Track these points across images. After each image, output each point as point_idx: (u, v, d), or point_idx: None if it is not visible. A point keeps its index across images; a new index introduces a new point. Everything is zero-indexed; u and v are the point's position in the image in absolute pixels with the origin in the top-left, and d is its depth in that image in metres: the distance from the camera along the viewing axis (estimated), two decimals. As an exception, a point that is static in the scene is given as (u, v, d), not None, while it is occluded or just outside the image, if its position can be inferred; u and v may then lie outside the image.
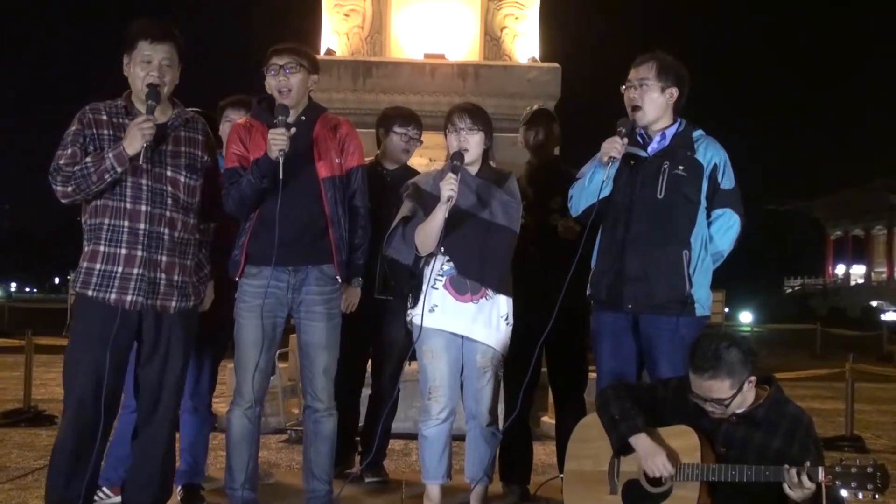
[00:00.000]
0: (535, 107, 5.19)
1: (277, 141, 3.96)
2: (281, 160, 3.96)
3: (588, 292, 4.26)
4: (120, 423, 4.45)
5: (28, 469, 5.68)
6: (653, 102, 4.12)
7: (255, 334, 4.18)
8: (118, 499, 4.32)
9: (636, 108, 4.13)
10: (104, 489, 4.47)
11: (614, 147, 4.01)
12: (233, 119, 4.77)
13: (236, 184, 4.11)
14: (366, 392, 5.43)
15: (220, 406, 6.07)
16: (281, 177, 3.97)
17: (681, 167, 4.07)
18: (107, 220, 3.86)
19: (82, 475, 3.82)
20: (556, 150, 5.26)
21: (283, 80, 4.15)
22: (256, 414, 4.27)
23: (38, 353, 8.72)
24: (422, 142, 5.27)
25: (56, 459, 3.88)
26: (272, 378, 4.61)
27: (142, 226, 3.86)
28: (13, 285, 59.97)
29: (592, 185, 4.12)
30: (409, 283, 4.37)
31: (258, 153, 4.08)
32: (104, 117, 3.90)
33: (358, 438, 5.50)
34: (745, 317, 33.80)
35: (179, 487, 4.63)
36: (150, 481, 4.00)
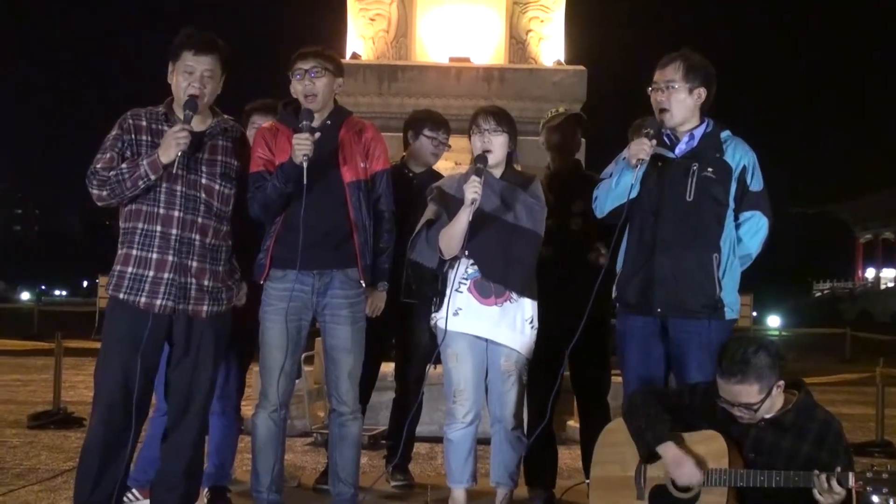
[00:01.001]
0: (562, 109, 5.16)
1: (302, 146, 3.97)
2: (305, 165, 3.97)
3: (614, 295, 4.23)
4: (151, 426, 4.48)
5: (57, 471, 5.73)
6: (680, 104, 4.05)
7: (279, 337, 4.19)
8: (146, 501, 4.34)
9: (663, 111, 4.08)
10: (133, 490, 4.49)
11: (643, 149, 3.96)
12: (259, 124, 4.78)
13: (261, 188, 4.12)
14: (389, 395, 5.43)
15: (246, 409, 6.10)
16: (305, 182, 3.97)
17: (709, 169, 4.02)
18: (140, 225, 3.91)
19: (111, 477, 3.85)
20: (580, 155, 5.23)
21: (309, 85, 4.16)
22: (282, 417, 4.28)
23: (68, 356, 8.81)
24: (450, 146, 5.26)
25: (84, 461, 3.91)
26: (297, 381, 4.62)
27: (174, 231, 3.90)
28: (42, 288, 60.62)
29: (620, 187, 4.07)
30: (433, 287, 4.36)
31: (283, 157, 4.09)
32: (144, 123, 3.96)
33: (384, 441, 5.50)
34: (774, 321, 33.51)
35: (206, 490, 4.65)
36: (178, 484, 4.02)
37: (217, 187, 3.99)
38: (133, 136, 3.93)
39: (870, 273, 55.81)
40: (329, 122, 4.24)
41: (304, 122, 4.04)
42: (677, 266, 4.00)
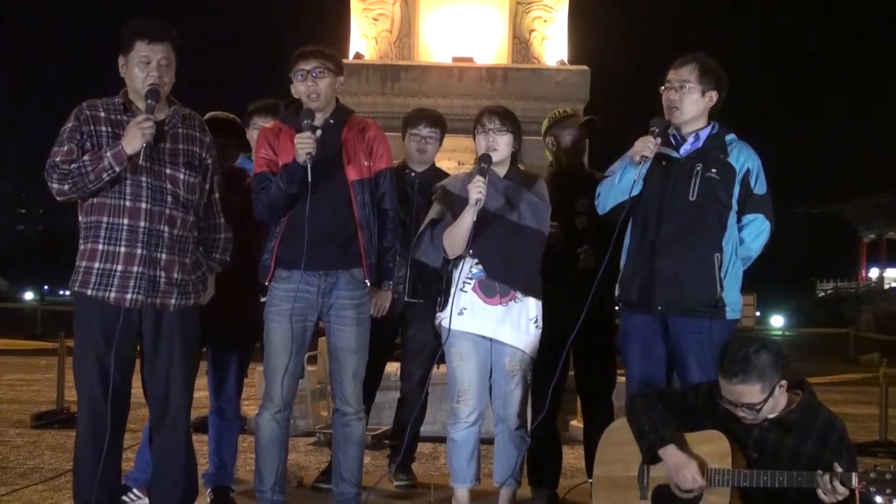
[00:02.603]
0: (569, 109, 5.14)
1: (304, 145, 3.96)
2: (309, 164, 3.96)
3: (617, 294, 4.24)
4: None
5: (61, 470, 5.74)
6: (692, 105, 4.09)
7: (284, 338, 4.18)
8: (146, 500, 4.33)
9: (673, 109, 4.10)
10: (135, 490, 4.50)
11: (647, 147, 3.98)
12: (260, 126, 4.78)
13: (266, 189, 4.12)
14: (393, 395, 5.43)
15: (249, 409, 6.11)
16: (310, 180, 3.97)
17: (713, 170, 4.05)
18: (105, 219, 3.82)
19: (108, 475, 3.83)
20: (584, 156, 5.22)
21: (312, 85, 4.14)
22: (285, 417, 4.27)
23: (71, 356, 8.80)
24: (438, 133, 5.11)
25: (79, 461, 3.90)
26: (301, 381, 4.61)
27: (142, 223, 3.82)
28: (45, 288, 60.64)
29: (623, 183, 4.09)
30: (438, 286, 4.37)
31: (287, 158, 4.08)
32: (102, 114, 3.87)
33: (387, 441, 5.50)
34: (777, 320, 33.50)
35: (209, 490, 4.66)
36: (176, 482, 4.00)
37: (182, 176, 3.91)
38: (92, 126, 3.82)
39: (873, 273, 55.72)
40: (331, 121, 4.23)
41: (306, 122, 4.03)
42: (678, 265, 4.01)
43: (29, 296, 47.36)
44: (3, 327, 18.57)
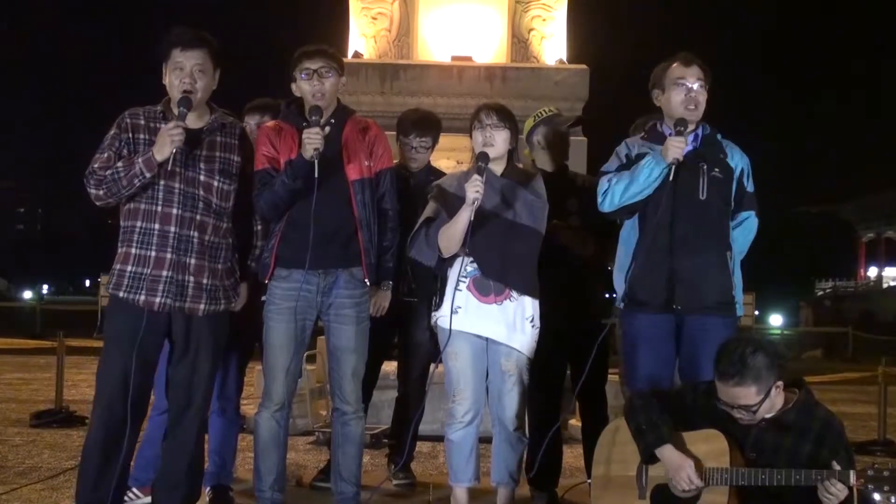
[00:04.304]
0: (555, 109, 5.12)
1: (312, 140, 3.97)
2: (316, 160, 3.97)
3: (623, 293, 4.22)
4: (150, 424, 4.49)
5: (59, 469, 5.73)
6: (704, 103, 4.14)
7: (284, 337, 4.19)
8: (148, 499, 4.35)
9: (692, 109, 4.10)
10: (134, 490, 4.50)
11: (679, 148, 3.98)
12: (249, 124, 4.79)
13: (268, 185, 4.12)
14: (391, 394, 5.43)
15: (248, 408, 6.11)
16: (317, 176, 3.98)
17: (717, 169, 4.12)
18: (138, 223, 3.92)
19: (112, 476, 3.86)
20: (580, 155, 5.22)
21: (318, 84, 4.15)
22: (285, 416, 4.28)
23: (70, 355, 8.82)
24: (429, 141, 5.13)
25: (86, 460, 3.93)
26: (300, 380, 4.62)
27: (172, 229, 3.90)
28: (45, 288, 60.62)
29: (650, 181, 4.03)
30: (433, 285, 4.36)
31: (287, 157, 4.09)
32: (142, 122, 3.97)
33: (386, 440, 5.50)
34: (776, 319, 33.53)
35: (208, 489, 4.66)
36: (180, 483, 4.03)
37: (216, 184, 3.99)
38: (131, 134, 3.93)
39: (872, 272, 55.71)
40: (333, 120, 4.24)
41: (314, 118, 4.04)
42: (696, 264, 4.06)
43: (28, 295, 47.32)
44: (2, 327, 18.56)
